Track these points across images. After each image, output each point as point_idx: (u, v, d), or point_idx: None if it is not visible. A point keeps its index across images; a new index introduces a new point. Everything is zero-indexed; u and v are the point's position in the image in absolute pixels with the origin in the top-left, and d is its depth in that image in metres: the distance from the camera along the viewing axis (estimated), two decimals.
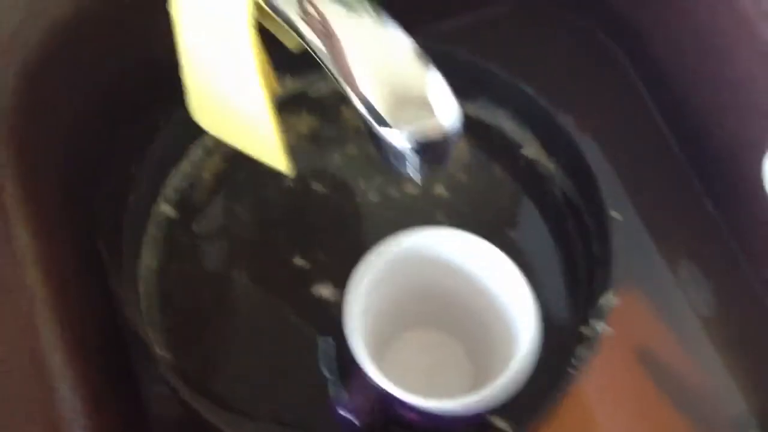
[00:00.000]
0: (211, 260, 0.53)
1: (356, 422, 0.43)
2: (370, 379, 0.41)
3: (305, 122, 0.55)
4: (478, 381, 0.46)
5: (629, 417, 0.50)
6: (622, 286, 0.47)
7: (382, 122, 0.35)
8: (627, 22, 0.58)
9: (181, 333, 0.50)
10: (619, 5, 0.58)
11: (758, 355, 0.51)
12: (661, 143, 0.57)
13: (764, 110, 0.49)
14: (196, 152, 0.53)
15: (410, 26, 0.36)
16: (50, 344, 0.41)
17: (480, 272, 0.45)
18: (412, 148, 0.35)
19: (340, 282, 0.44)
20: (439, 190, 0.54)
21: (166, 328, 0.50)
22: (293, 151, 0.44)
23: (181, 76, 0.44)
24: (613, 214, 0.48)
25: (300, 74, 0.54)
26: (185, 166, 0.53)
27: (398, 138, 0.35)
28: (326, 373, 0.46)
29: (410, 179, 0.42)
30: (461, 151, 0.54)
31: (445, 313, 0.48)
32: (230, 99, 0.41)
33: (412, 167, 0.37)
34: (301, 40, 0.37)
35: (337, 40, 0.35)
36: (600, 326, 0.45)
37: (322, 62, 0.36)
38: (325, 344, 0.47)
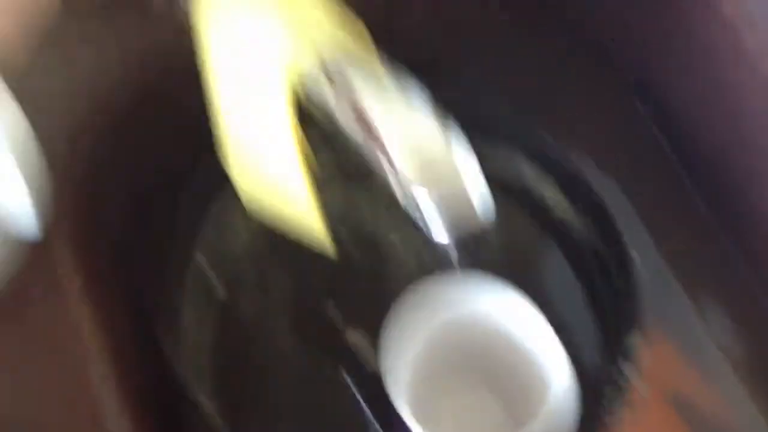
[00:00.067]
0: (249, 313, 0.55)
1: None
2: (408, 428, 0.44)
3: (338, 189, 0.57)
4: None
5: None
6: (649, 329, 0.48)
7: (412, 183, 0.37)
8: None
9: (220, 379, 0.53)
10: (621, 42, 0.58)
11: None
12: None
13: None
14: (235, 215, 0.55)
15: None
16: (111, 410, 0.44)
17: (509, 323, 0.47)
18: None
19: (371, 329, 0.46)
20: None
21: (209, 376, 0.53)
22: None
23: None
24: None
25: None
26: (222, 223, 0.55)
27: (425, 198, 0.37)
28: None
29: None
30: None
31: (478, 363, 0.50)
32: (271, 178, 0.43)
33: (438, 229, 0.39)
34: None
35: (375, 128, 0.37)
36: (628, 367, 0.46)
37: (354, 140, 0.39)
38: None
